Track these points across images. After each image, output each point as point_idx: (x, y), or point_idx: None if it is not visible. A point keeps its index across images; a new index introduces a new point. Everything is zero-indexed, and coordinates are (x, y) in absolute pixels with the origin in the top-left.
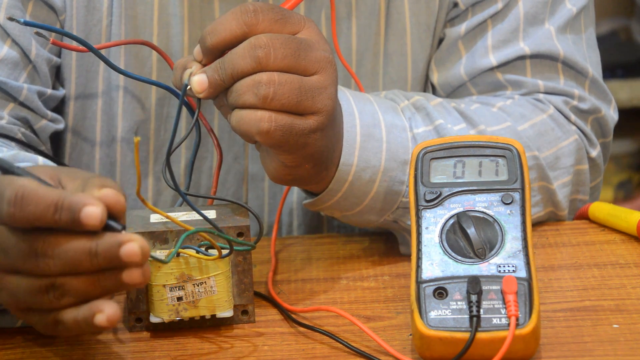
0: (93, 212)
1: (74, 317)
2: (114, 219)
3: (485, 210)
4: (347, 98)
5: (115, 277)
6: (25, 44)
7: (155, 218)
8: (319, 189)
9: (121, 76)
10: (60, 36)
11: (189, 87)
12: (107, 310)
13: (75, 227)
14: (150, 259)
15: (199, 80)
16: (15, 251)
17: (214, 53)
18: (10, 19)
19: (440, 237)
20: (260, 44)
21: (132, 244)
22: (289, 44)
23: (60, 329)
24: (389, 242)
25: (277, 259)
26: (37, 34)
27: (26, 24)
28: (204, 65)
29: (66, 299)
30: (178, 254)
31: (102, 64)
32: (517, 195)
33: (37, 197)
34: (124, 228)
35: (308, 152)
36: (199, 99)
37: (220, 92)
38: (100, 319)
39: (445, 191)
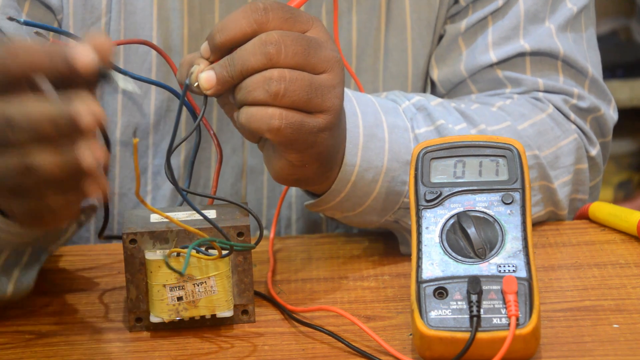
0: (85, 51)
1: (53, 161)
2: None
3: (485, 210)
4: (350, 98)
5: (72, 149)
6: None
7: (155, 218)
8: (322, 190)
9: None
10: (60, 36)
11: (196, 84)
12: (90, 146)
13: (69, 71)
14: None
15: (206, 77)
16: None
17: (222, 51)
18: (11, 18)
19: (441, 237)
20: (271, 40)
21: (81, 48)
22: (299, 42)
23: (49, 197)
24: (389, 242)
25: (276, 258)
26: (37, 33)
27: (26, 23)
28: (211, 63)
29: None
30: (178, 254)
31: None
32: (517, 195)
33: (29, 46)
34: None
35: (316, 151)
36: (206, 96)
37: (228, 90)
38: (86, 154)
39: (446, 191)
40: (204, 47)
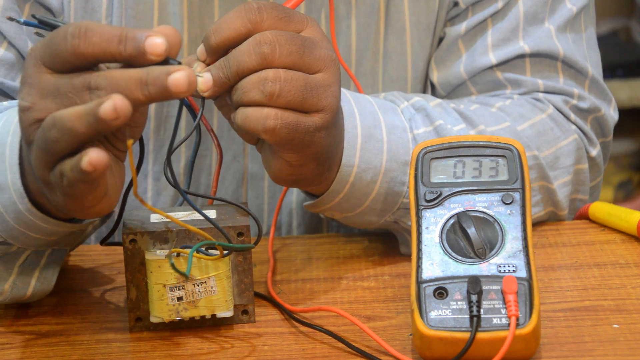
0: (158, 41)
1: (69, 164)
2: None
3: (485, 210)
4: (348, 99)
5: (161, 80)
6: (22, 46)
7: (155, 218)
8: (320, 191)
9: None
10: None
11: None
12: (90, 153)
13: (138, 59)
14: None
15: (203, 79)
16: (67, 88)
17: (218, 52)
18: (10, 18)
19: (441, 237)
20: (265, 40)
21: (180, 73)
22: (294, 41)
23: (66, 182)
24: (389, 242)
25: (275, 259)
26: (37, 34)
27: (25, 24)
28: (208, 65)
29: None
30: (178, 254)
31: None
32: (517, 195)
33: (102, 29)
34: (179, 64)
35: (313, 150)
36: (203, 98)
37: (225, 91)
38: (85, 161)
39: (446, 191)
40: (200, 49)
